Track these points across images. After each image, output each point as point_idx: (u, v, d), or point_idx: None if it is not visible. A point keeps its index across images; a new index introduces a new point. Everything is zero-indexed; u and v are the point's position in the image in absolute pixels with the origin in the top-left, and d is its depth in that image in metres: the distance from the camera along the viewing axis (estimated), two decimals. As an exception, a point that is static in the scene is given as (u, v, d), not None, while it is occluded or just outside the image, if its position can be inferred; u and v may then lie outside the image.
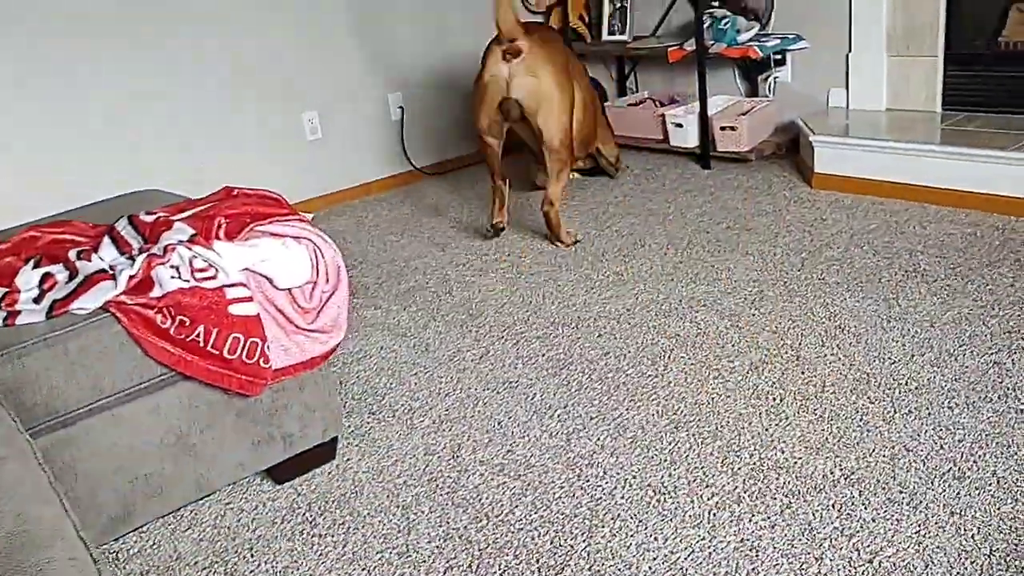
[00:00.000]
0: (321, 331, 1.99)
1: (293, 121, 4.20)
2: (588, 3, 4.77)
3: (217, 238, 1.89)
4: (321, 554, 1.82)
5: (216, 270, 1.82)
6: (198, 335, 1.79)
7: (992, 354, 2.23)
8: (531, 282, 3.10)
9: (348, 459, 2.15)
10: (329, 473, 2.10)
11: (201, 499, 2.02)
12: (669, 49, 4.19)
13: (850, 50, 3.90)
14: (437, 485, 2.00)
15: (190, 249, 1.83)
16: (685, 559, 1.67)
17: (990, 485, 1.75)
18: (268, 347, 1.88)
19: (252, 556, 1.84)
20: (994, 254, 2.81)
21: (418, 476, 2.05)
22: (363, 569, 1.76)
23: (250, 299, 1.84)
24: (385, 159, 4.53)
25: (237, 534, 1.92)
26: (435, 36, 4.52)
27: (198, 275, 1.81)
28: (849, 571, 1.58)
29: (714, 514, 1.78)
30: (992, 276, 2.65)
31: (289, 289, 1.92)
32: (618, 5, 4.56)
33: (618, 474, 1.95)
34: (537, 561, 1.71)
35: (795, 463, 1.91)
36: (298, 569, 1.78)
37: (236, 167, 3.96)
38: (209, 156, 3.92)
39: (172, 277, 1.78)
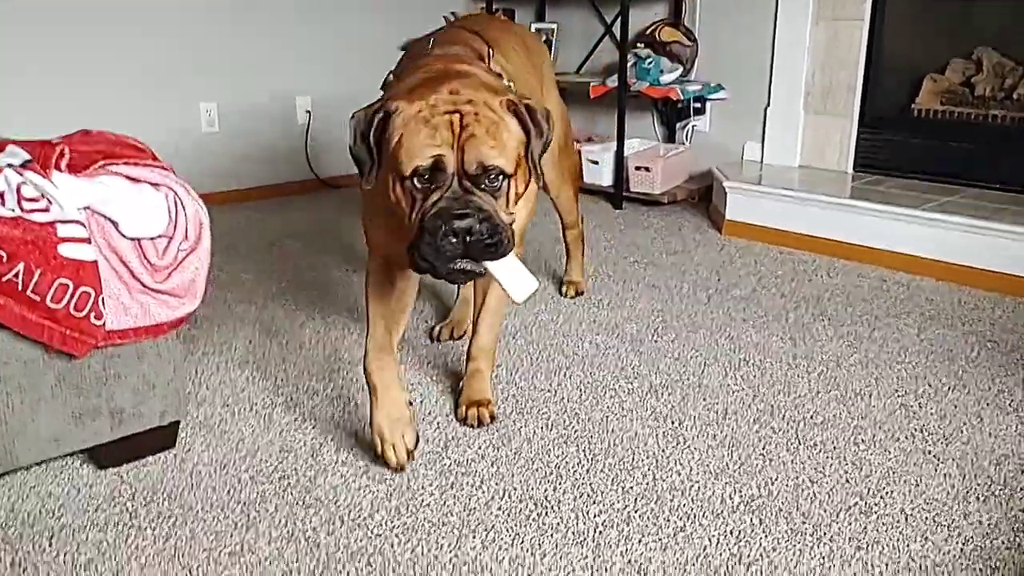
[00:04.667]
0: (171, 294, 1.73)
1: (190, 111, 3.92)
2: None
3: (57, 168, 1.62)
4: (137, 548, 1.52)
5: (50, 202, 1.54)
6: (16, 275, 1.51)
7: (899, 397, 2.12)
8: (428, 290, 2.88)
9: (189, 449, 1.86)
10: (164, 462, 1.81)
11: (1, 475, 1.70)
12: (592, 85, 4.11)
13: (768, 104, 3.90)
14: (289, 484, 1.74)
15: (20, 175, 1.55)
16: (563, 578, 1.45)
17: (898, 522, 1.60)
18: (103, 301, 1.61)
19: (50, 546, 1.53)
20: (900, 307, 2.74)
21: (268, 473, 1.78)
22: (183, 568, 1.47)
23: (87, 240, 1.57)
24: (286, 164, 4.28)
25: (37, 520, 1.60)
26: (347, 44, 4.33)
27: (26, 204, 1.53)
28: (746, 601, 1.39)
29: (600, 532, 1.57)
30: (899, 326, 2.58)
31: (138, 239, 1.66)
32: (543, 39, 4.48)
33: (497, 485, 1.73)
34: (394, 570, 1.47)
35: (692, 486, 1.72)
36: (103, 563, 1.48)
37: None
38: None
39: (-8, 201, 1.50)
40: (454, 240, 1.49)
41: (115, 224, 1.62)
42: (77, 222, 1.56)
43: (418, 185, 1.52)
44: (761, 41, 3.87)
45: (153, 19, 3.75)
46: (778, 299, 2.81)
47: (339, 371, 2.26)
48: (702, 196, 4.10)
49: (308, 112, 4.28)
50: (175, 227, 1.71)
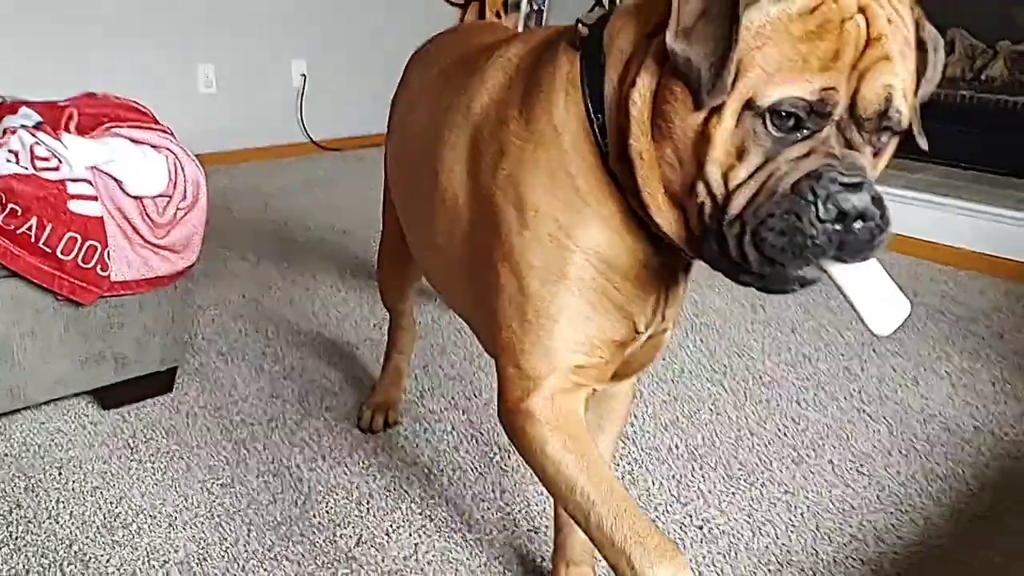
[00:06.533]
0: (171, 249, 1.88)
1: (188, 72, 4.04)
2: (506, 1, 4.78)
3: (66, 130, 1.76)
4: (138, 478, 1.69)
5: (60, 161, 1.69)
6: (29, 228, 1.65)
7: (845, 360, 2.29)
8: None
9: (186, 393, 2.03)
10: (162, 404, 1.97)
11: (13, 412, 1.86)
12: (579, 55, 4.22)
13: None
14: (276, 426, 1.90)
15: (33, 135, 1.69)
16: (519, 511, 1.62)
17: (825, 471, 1.78)
18: (108, 254, 1.76)
19: (60, 475, 1.69)
20: (858, 278, 2.90)
21: (259, 416, 1.94)
22: (180, 496, 1.64)
23: (94, 198, 1.72)
24: (280, 126, 4.40)
25: (47, 452, 1.77)
26: (343, 9, 4.43)
27: (39, 163, 1.68)
28: (680, 535, 1.57)
29: (555, 474, 1.74)
30: (854, 296, 2.74)
31: (140, 198, 1.80)
32: (535, 7, 4.59)
33: (465, 431, 1.90)
34: (368, 501, 1.64)
35: (643, 436, 1.90)
36: (108, 489, 1.65)
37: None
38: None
39: (8, 161, 1.64)
40: (834, 227, 0.87)
41: (119, 183, 1.77)
42: (85, 180, 1.71)
43: (771, 129, 0.88)
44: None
45: (153, -19, 3.85)
46: (744, 268, 2.97)
47: (326, 326, 2.42)
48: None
49: (303, 76, 4.40)
50: (175, 187, 1.86)
